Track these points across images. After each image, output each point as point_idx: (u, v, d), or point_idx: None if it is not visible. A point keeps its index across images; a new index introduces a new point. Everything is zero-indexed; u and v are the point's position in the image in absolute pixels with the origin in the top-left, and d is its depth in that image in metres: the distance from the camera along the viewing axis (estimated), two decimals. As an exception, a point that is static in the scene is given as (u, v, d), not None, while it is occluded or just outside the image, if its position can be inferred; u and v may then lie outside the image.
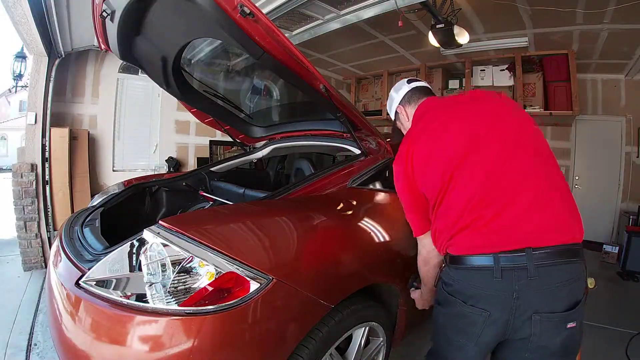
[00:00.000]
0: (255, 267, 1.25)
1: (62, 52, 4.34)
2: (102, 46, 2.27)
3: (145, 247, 1.28)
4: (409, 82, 1.77)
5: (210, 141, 6.57)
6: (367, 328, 1.78)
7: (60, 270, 1.57)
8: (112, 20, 1.92)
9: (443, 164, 1.33)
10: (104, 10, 1.88)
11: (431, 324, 1.48)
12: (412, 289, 1.88)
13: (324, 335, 1.48)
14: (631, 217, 5.64)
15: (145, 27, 2.03)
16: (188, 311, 1.16)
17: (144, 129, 6.06)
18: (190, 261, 1.23)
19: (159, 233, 1.27)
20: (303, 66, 1.73)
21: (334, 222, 1.71)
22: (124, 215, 2.40)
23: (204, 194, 2.68)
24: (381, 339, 1.92)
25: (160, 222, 1.31)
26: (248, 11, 1.46)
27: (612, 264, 5.18)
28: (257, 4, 1.50)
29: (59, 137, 4.56)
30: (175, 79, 2.50)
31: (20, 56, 5.51)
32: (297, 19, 4.68)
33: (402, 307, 2.00)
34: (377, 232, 1.81)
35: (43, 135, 4.32)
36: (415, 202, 1.48)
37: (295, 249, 1.46)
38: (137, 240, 1.36)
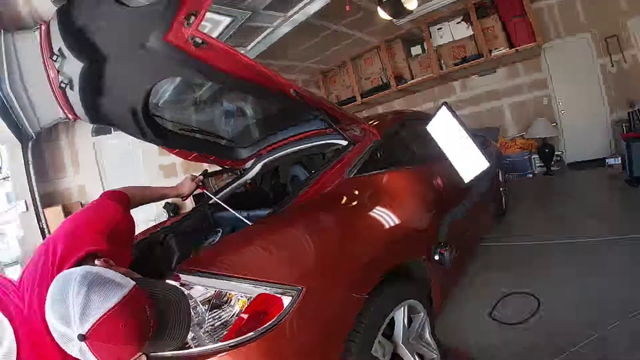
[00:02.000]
0: (282, 282, 1.26)
1: (32, 134, 4.32)
2: (70, 116, 2.26)
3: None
4: None
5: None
6: (406, 307, 1.79)
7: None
8: (72, 88, 1.92)
9: None
10: (62, 82, 1.88)
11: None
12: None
13: (367, 325, 1.48)
14: (624, 124, 5.67)
15: (106, 85, 2.03)
16: (232, 344, 1.17)
17: (131, 182, 6.02)
18: (219, 296, 1.23)
19: (180, 278, 1.28)
20: (267, 77, 1.74)
21: (343, 216, 1.72)
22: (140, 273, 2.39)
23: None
24: (422, 313, 1.93)
25: (178, 268, 1.32)
26: (200, 41, 1.46)
27: (619, 174, 5.19)
28: (204, 31, 1.50)
29: (54, 216, 4.57)
30: (149, 126, 2.49)
31: (-8, 151, 5.48)
32: (248, 33, 4.69)
33: (434, 278, 2.01)
34: (386, 213, 1.82)
35: (39, 219, 4.32)
36: None
37: (314, 253, 1.47)
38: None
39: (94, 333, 0.81)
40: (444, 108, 1.95)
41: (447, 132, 2.04)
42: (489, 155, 1.51)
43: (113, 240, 1.26)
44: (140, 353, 0.91)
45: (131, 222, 1.51)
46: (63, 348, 0.86)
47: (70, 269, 0.96)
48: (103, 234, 1.25)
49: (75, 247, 1.16)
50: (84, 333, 0.80)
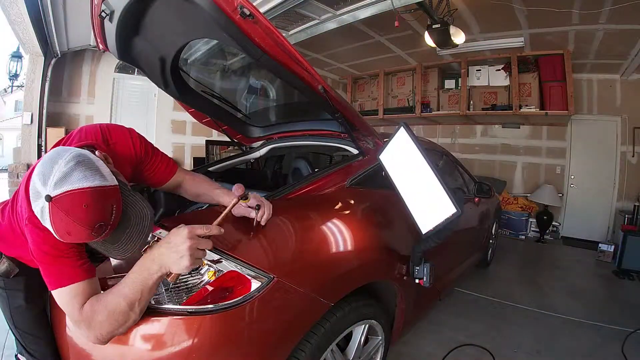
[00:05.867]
0: (256, 266, 1.26)
1: (58, 52, 4.33)
2: (101, 46, 2.25)
3: (145, 247, 1.28)
4: None
5: (207, 141, 6.56)
6: (367, 326, 1.79)
7: (60, 270, 1.57)
8: (110, 20, 1.91)
9: None
10: (103, 11, 1.87)
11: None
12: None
13: (326, 330, 1.49)
14: (627, 216, 5.68)
15: (144, 27, 2.02)
16: (190, 310, 1.17)
17: (140, 128, 5.99)
18: (192, 261, 1.23)
19: (160, 233, 1.28)
20: (302, 67, 1.74)
21: (332, 222, 1.72)
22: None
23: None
24: (380, 337, 1.93)
25: (161, 222, 1.32)
26: (248, 12, 1.46)
27: (607, 262, 5.20)
28: (254, 4, 1.50)
29: (55, 137, 4.55)
30: (174, 79, 2.49)
31: (16, 56, 5.49)
32: (293, 19, 4.69)
33: (401, 306, 2.01)
34: (375, 230, 1.82)
35: (39, 136, 4.31)
36: None
37: (295, 248, 1.47)
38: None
39: (59, 200, 0.89)
40: (402, 130, 1.61)
41: (404, 163, 1.77)
42: (459, 200, 1.45)
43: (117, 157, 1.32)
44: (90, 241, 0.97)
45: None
46: (31, 202, 0.95)
47: (72, 147, 1.06)
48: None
49: (80, 140, 1.23)
50: (52, 195, 0.89)
